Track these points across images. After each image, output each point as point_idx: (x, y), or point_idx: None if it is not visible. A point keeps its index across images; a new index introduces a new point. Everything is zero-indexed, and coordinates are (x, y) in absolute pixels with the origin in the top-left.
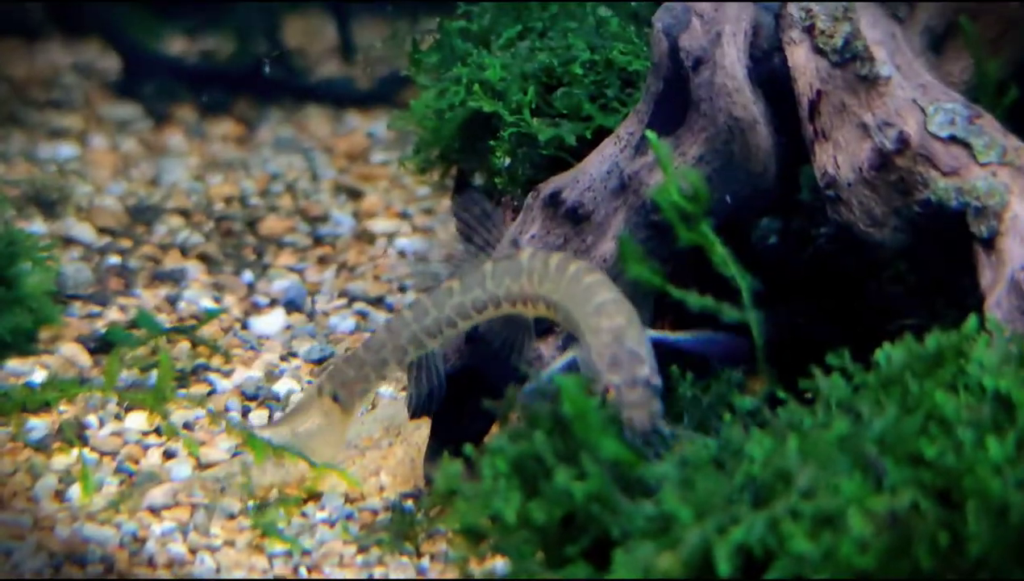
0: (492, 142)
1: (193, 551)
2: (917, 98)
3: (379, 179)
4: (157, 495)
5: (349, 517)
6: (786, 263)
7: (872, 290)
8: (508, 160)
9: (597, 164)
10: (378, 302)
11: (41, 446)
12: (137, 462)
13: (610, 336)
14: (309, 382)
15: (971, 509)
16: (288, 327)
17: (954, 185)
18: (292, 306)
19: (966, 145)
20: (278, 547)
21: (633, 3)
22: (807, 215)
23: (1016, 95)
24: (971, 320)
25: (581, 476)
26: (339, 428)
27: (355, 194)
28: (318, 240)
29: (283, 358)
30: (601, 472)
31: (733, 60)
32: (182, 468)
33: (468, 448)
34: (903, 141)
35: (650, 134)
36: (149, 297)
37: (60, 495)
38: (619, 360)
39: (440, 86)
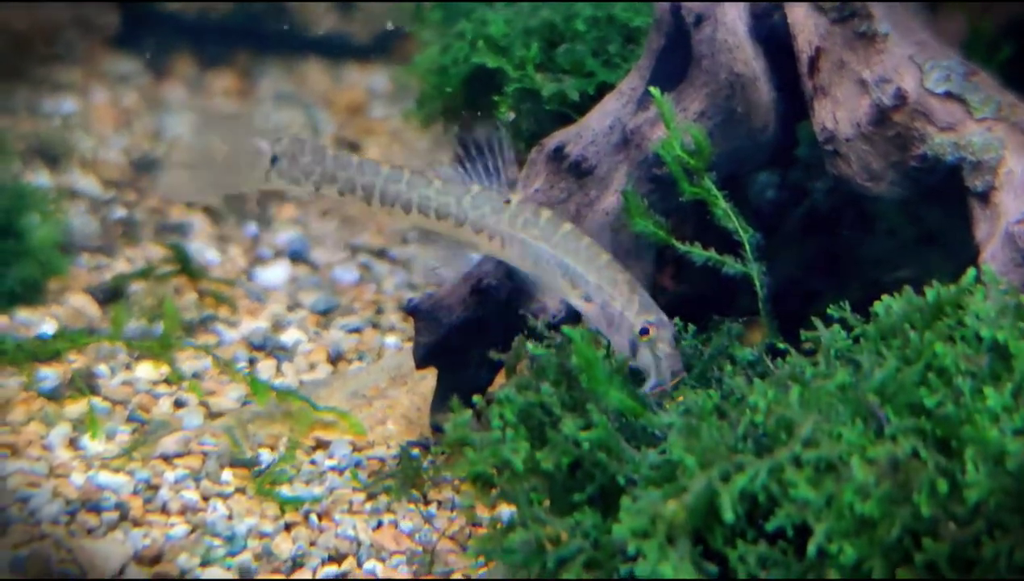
0: (496, 97)
1: (205, 498)
2: (914, 55)
3: (379, 133)
4: (169, 443)
5: (357, 465)
6: (783, 216)
7: (867, 242)
8: (512, 115)
9: (599, 119)
10: (381, 254)
11: (54, 395)
12: (148, 411)
13: (628, 287)
14: (316, 332)
15: (969, 457)
16: (293, 278)
17: (950, 140)
18: (297, 257)
19: (962, 101)
20: (288, 493)
21: None
22: (804, 169)
23: (1009, 52)
24: (969, 273)
25: (588, 425)
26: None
27: (356, 148)
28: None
29: (289, 309)
30: (607, 421)
31: (734, 17)
32: (193, 417)
33: (476, 398)
34: (901, 97)
35: (654, 90)
36: (154, 248)
37: (74, 443)
38: (647, 304)
39: (444, 42)
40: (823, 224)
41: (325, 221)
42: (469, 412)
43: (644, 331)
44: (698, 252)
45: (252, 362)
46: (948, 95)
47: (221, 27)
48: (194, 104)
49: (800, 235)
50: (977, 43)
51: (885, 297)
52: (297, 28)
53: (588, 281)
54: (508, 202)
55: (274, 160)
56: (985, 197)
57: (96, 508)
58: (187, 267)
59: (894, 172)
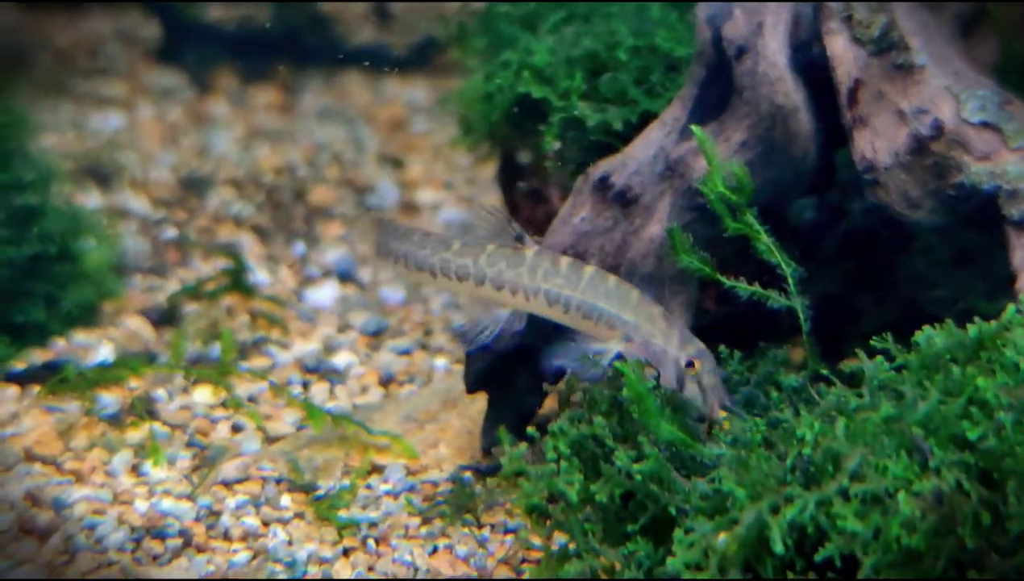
0: (542, 127)
1: (266, 524)
2: (950, 85)
3: (421, 149)
4: (229, 469)
5: (411, 489)
6: (822, 236)
7: (904, 262)
8: (558, 144)
9: (643, 148)
10: None
11: (115, 421)
12: (207, 435)
13: (665, 322)
14: (367, 355)
15: (1011, 489)
16: (342, 298)
17: (987, 169)
18: (345, 277)
19: (998, 130)
20: (345, 517)
21: None
22: (842, 191)
23: None
24: (1009, 309)
25: (639, 457)
26: None
27: (398, 164)
28: (367, 210)
29: (340, 330)
30: (658, 453)
31: (775, 50)
32: (251, 442)
33: (531, 430)
34: (938, 127)
35: (695, 128)
36: (206, 268)
37: (136, 469)
38: (687, 337)
39: (488, 69)
40: (861, 243)
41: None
42: (524, 445)
43: (690, 364)
44: (743, 287)
45: (306, 385)
46: (984, 124)
47: (261, 39)
48: (238, 119)
49: (838, 254)
50: (1010, 66)
51: (927, 328)
52: (336, 39)
53: (626, 321)
54: (522, 246)
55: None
56: (1021, 225)
57: (160, 535)
58: (240, 282)
59: (932, 200)
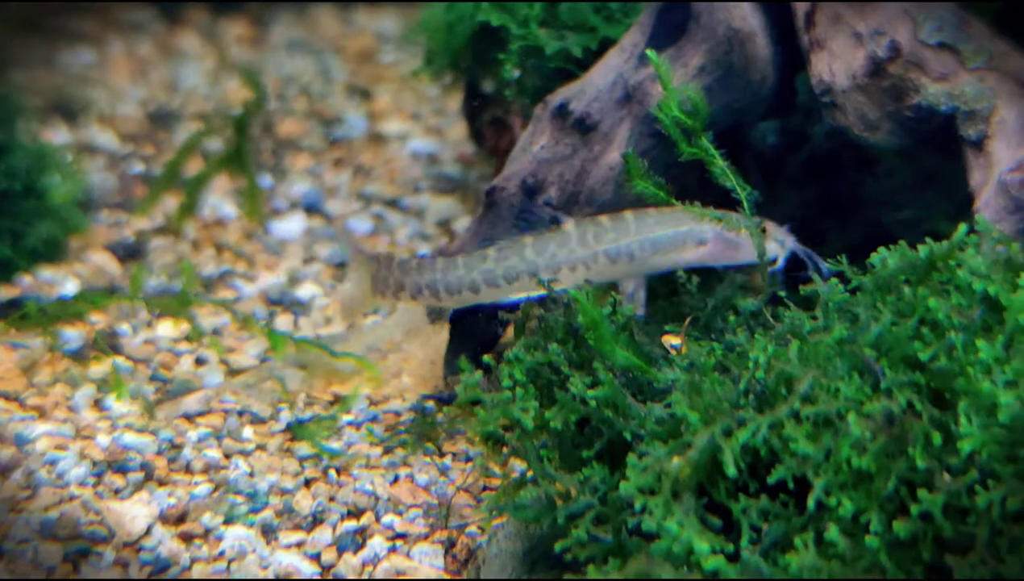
0: (501, 55)
1: (228, 456)
2: (908, 7)
3: (390, 79)
4: (191, 402)
5: (374, 419)
6: (785, 160)
7: (868, 183)
8: (517, 72)
9: (602, 75)
10: (393, 204)
11: (78, 356)
12: (170, 369)
13: (721, 213)
14: (331, 286)
15: (962, 409)
16: (308, 230)
17: (944, 90)
18: (312, 209)
19: (955, 51)
20: (307, 450)
21: None
22: (804, 115)
23: (1001, 2)
24: (960, 228)
25: (595, 383)
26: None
27: (367, 95)
28: (334, 142)
29: (305, 262)
30: (613, 379)
31: None
32: (214, 375)
33: (488, 358)
34: (895, 49)
35: (651, 53)
36: (173, 203)
37: (99, 404)
38: (743, 216)
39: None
40: (824, 167)
41: (339, 171)
42: (480, 373)
43: (762, 230)
44: (698, 210)
45: (270, 317)
46: (941, 46)
47: None
48: (207, 53)
49: (802, 178)
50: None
51: (881, 249)
52: None
53: (691, 230)
54: (559, 226)
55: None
56: (979, 146)
57: (122, 469)
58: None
59: (890, 122)
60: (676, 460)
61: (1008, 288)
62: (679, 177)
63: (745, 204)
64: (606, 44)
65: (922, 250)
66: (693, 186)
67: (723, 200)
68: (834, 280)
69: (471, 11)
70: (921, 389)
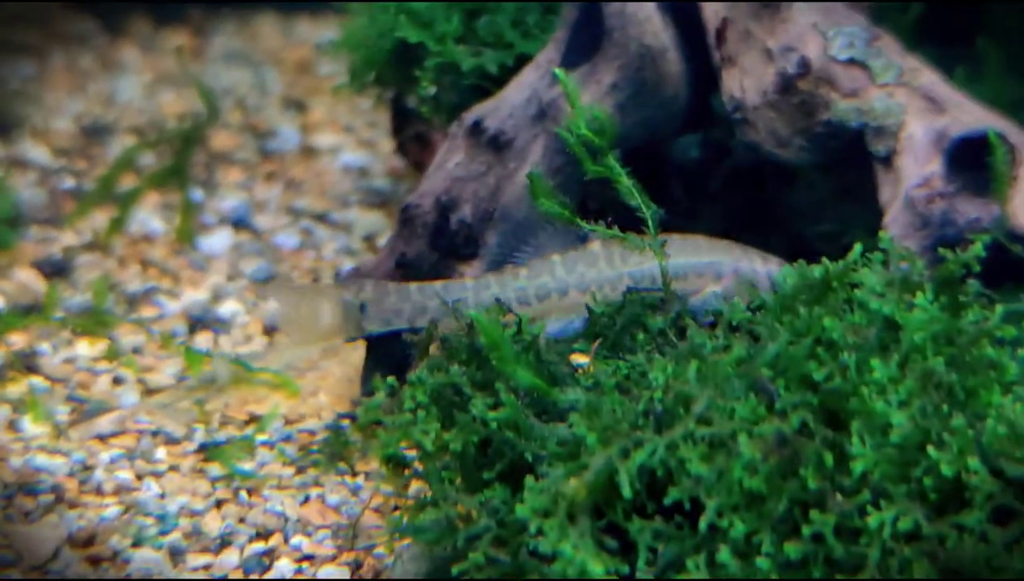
0: (418, 72)
1: (139, 477)
2: (819, 22)
3: (325, 92)
4: (105, 423)
5: (288, 439)
6: (707, 173)
7: (789, 197)
8: (434, 89)
9: (517, 91)
10: (322, 218)
11: None
12: (88, 388)
13: (739, 248)
14: (254, 303)
15: (855, 429)
16: (236, 246)
17: (853, 106)
18: (240, 224)
19: (865, 67)
20: (219, 470)
21: None
22: (725, 127)
23: (920, 9)
24: (856, 248)
25: (496, 404)
26: (322, 332)
27: (302, 107)
28: (266, 155)
29: (230, 278)
30: (515, 400)
31: None
32: (130, 395)
33: (391, 380)
34: (804, 65)
35: (558, 71)
36: (102, 219)
37: (14, 425)
38: (762, 253)
39: (370, 13)
40: (746, 179)
41: (270, 184)
42: (381, 395)
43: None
44: (602, 230)
45: (190, 335)
46: (851, 61)
47: None
48: (147, 65)
49: (725, 190)
50: (888, 2)
51: (786, 267)
52: None
53: (711, 262)
54: (588, 244)
55: (362, 308)
56: (887, 161)
57: (32, 491)
58: None
59: (801, 138)
60: (573, 482)
61: (904, 307)
62: (598, 192)
63: (650, 223)
64: (523, 60)
65: (817, 270)
66: (614, 201)
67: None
68: (736, 299)
69: (391, 27)
70: (816, 409)
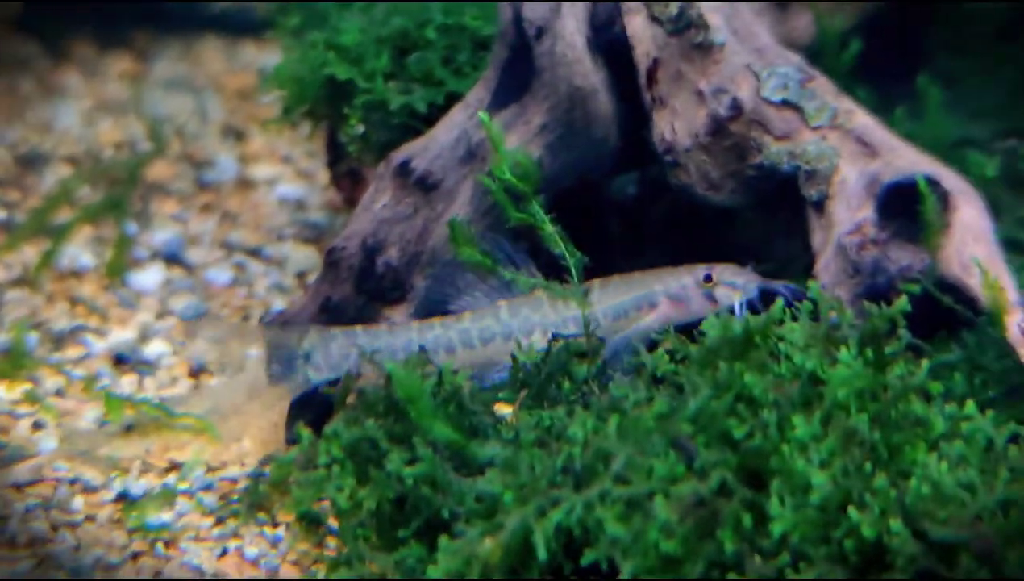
0: (347, 110)
1: (55, 528)
2: (752, 63)
3: (266, 119)
4: (22, 471)
5: (209, 487)
6: (647, 210)
7: (729, 234)
8: (362, 127)
9: (446, 131)
10: (255, 253)
11: None
12: (7, 433)
13: (666, 272)
14: (182, 343)
15: (775, 489)
16: (167, 281)
17: (786, 149)
18: (173, 258)
19: (798, 109)
20: (137, 521)
21: None
22: (663, 164)
23: (859, 48)
24: (778, 303)
25: (414, 459)
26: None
27: (241, 136)
28: (203, 186)
29: (159, 316)
30: (432, 454)
31: (573, 30)
32: (49, 440)
33: (305, 433)
34: (736, 107)
35: (482, 115)
36: (32, 253)
37: None
38: (692, 267)
39: (302, 49)
40: (686, 216)
41: (205, 217)
42: (295, 450)
43: (707, 278)
44: (523, 279)
45: (115, 377)
46: (784, 103)
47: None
48: (89, 91)
49: (665, 228)
50: (826, 40)
51: (711, 319)
52: (197, 3)
53: (649, 293)
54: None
55: (307, 356)
56: (820, 206)
57: None
58: None
59: (733, 181)
60: (488, 542)
61: (828, 362)
62: (529, 233)
63: (573, 271)
64: (454, 98)
65: (738, 324)
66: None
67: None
68: (660, 351)
69: (321, 62)
70: (736, 468)
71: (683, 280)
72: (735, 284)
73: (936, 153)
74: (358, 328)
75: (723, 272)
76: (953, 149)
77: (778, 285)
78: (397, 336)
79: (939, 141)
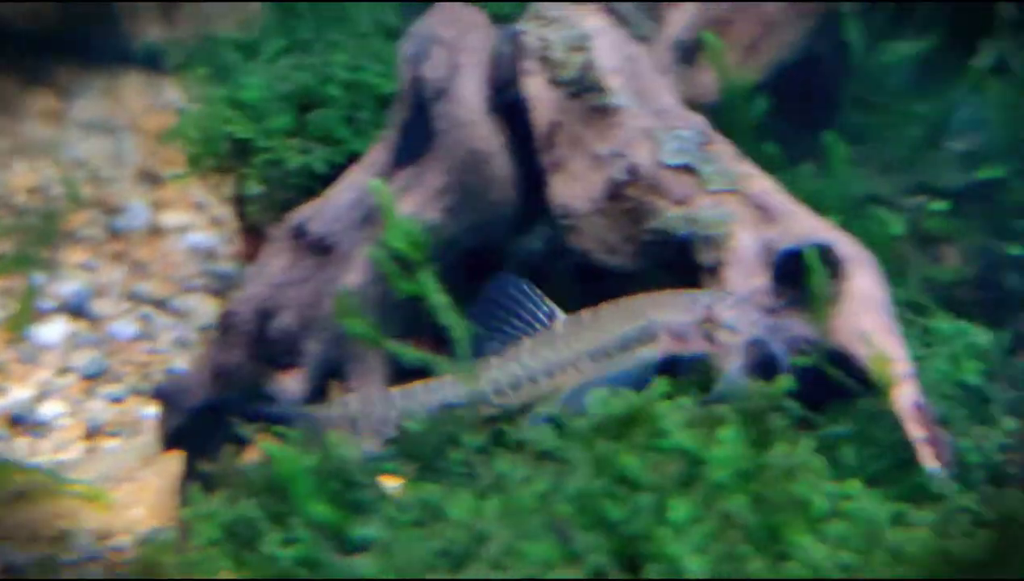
0: (245, 169)
1: None
2: (651, 126)
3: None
4: None
5: (96, 558)
6: (553, 264)
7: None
8: (261, 187)
9: (344, 193)
10: (162, 304)
11: None
12: None
13: (681, 298)
14: (79, 402)
15: (650, 574)
16: (71, 335)
17: (683, 214)
18: (78, 311)
19: (696, 173)
20: None
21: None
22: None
23: (765, 104)
24: (661, 382)
25: (291, 541)
26: None
27: (157, 180)
28: (114, 234)
29: (60, 372)
30: (310, 535)
31: (471, 91)
32: None
33: (184, 513)
34: (633, 172)
35: (373, 182)
36: None
37: None
38: (704, 295)
39: (206, 102)
40: (592, 271)
41: (115, 266)
42: (169, 531)
43: (707, 319)
44: (409, 353)
45: (10, 438)
46: (682, 167)
47: (48, 36)
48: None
49: (572, 281)
50: (730, 97)
51: (596, 394)
52: (125, 37)
53: (645, 325)
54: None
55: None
56: (714, 273)
57: None
58: None
59: (630, 246)
60: None
61: (708, 442)
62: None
63: (460, 344)
64: (355, 158)
65: (618, 403)
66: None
67: None
68: (545, 425)
69: (223, 119)
70: (613, 552)
71: (684, 317)
72: (731, 325)
73: (842, 211)
74: (395, 391)
75: (716, 310)
76: (860, 206)
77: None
78: (431, 393)
79: (845, 198)
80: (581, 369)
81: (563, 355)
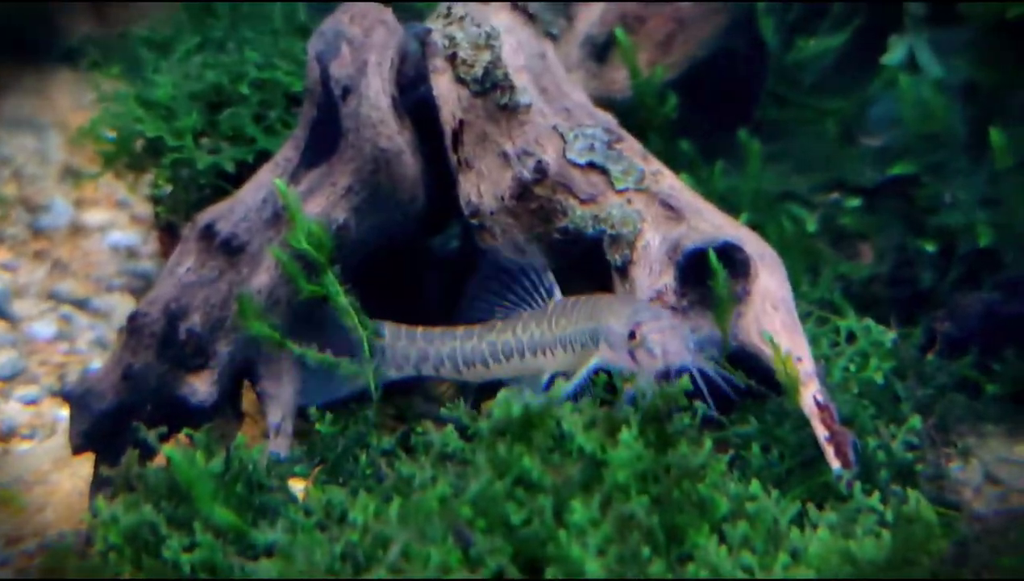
0: (155, 169)
1: None
2: (559, 124)
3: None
4: None
5: (5, 563)
6: (472, 263)
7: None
8: (170, 187)
9: (253, 192)
10: (82, 305)
11: None
12: None
13: (616, 301)
14: None
15: (550, 575)
16: None
17: (591, 213)
18: None
19: (604, 171)
20: None
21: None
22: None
23: (676, 101)
24: (558, 384)
25: (193, 545)
26: None
27: (80, 178)
28: (36, 232)
29: None
30: (211, 540)
31: (378, 90)
32: None
33: (88, 517)
34: (541, 170)
35: (278, 182)
36: None
37: None
38: (639, 308)
39: (117, 101)
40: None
41: (36, 265)
42: (70, 537)
43: (631, 335)
44: (312, 355)
45: None
46: (591, 165)
47: None
48: None
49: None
50: (643, 97)
51: (502, 392)
52: (57, 33)
53: (594, 328)
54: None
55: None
56: (623, 271)
57: None
58: None
59: (539, 244)
60: None
61: (610, 444)
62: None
63: (365, 346)
64: (264, 157)
65: (516, 408)
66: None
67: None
68: (450, 428)
69: (133, 117)
70: (514, 555)
71: (615, 326)
72: (653, 350)
73: (756, 208)
74: (418, 330)
75: (648, 327)
76: (774, 203)
77: (720, 372)
78: (444, 341)
79: (759, 195)
80: (555, 354)
81: (546, 337)
